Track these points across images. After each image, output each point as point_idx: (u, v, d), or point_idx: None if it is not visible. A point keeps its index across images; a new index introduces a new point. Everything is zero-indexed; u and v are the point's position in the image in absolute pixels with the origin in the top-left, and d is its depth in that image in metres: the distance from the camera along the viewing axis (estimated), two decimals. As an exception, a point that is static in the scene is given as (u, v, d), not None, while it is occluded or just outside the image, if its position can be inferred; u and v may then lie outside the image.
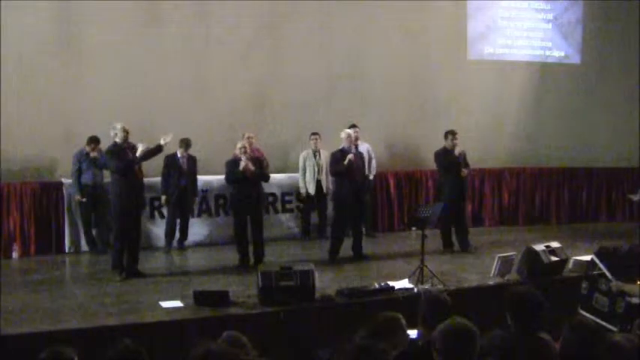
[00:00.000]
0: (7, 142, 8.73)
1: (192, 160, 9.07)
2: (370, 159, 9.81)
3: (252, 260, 7.94)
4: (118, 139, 7.33)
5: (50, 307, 6.26)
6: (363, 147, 9.71)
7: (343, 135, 8.40)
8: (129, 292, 6.85)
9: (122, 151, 7.31)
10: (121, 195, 7.31)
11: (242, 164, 7.81)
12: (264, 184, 8.65)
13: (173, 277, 7.63)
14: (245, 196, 7.92)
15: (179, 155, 8.97)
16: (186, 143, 8.97)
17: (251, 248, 8.04)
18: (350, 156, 8.14)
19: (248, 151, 8.04)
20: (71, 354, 3.00)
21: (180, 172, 8.93)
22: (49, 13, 9.13)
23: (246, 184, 7.90)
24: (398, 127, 10.68)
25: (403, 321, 3.56)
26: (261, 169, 8.14)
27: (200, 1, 9.81)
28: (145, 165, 7.77)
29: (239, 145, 8.02)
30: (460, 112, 10.83)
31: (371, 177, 9.89)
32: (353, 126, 9.56)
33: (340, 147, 8.38)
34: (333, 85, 10.48)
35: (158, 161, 8.53)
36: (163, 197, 8.99)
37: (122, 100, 9.27)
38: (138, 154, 7.30)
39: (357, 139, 9.51)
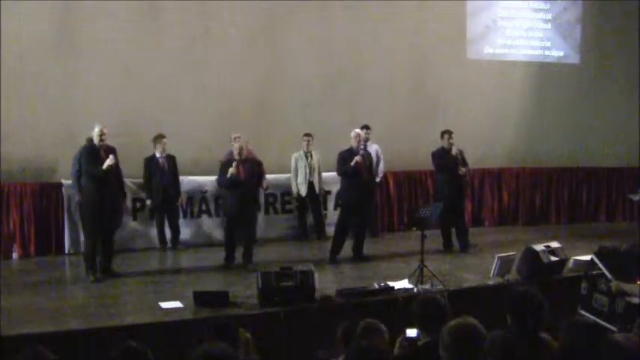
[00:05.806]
0: (7, 142, 8.72)
1: (171, 160, 8.97)
2: (378, 161, 9.66)
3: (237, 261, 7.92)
4: (94, 141, 7.32)
5: (50, 308, 6.25)
6: (372, 148, 9.66)
7: (352, 134, 8.31)
8: (129, 292, 6.86)
9: (95, 154, 7.28)
10: (89, 196, 7.33)
11: (231, 170, 7.70)
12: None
13: (173, 277, 7.63)
14: (238, 199, 7.84)
15: (158, 155, 8.91)
16: (160, 137, 8.86)
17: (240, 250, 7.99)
18: (357, 157, 8.10)
19: (243, 154, 7.94)
20: (50, 355, 2.88)
21: (162, 172, 8.86)
22: (49, 13, 9.12)
23: (240, 188, 7.83)
24: (397, 127, 10.67)
25: (383, 327, 3.57)
26: (253, 173, 8.02)
27: (200, 1, 9.81)
28: (128, 167, 7.92)
29: (237, 145, 7.94)
30: (459, 111, 10.83)
31: (377, 179, 9.66)
32: (365, 127, 9.52)
33: (348, 147, 8.31)
34: (333, 85, 10.47)
35: (139, 160, 8.75)
36: (148, 202, 8.95)
37: (122, 100, 9.29)
38: (105, 167, 7.18)
39: (367, 140, 9.47)
